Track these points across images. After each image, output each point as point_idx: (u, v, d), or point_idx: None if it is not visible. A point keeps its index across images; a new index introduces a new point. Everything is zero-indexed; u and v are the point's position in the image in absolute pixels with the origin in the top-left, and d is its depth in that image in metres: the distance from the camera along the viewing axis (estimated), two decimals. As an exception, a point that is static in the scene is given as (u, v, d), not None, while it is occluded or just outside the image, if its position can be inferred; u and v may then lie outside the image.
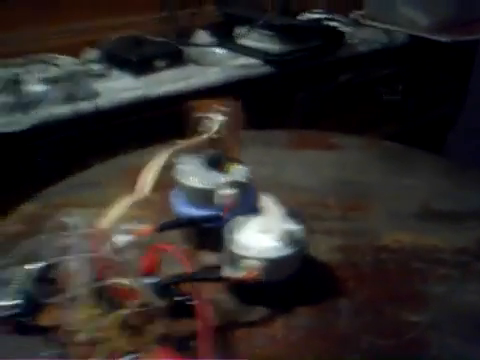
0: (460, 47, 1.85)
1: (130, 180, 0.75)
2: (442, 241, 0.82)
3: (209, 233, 0.78)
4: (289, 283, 0.68)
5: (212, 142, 0.90)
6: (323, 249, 0.78)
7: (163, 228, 0.72)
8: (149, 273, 0.67)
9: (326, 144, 1.18)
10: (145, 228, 0.76)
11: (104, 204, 0.73)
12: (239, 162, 0.86)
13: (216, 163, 0.88)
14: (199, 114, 0.87)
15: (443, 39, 1.81)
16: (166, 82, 1.43)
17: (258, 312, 0.67)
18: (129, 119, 1.35)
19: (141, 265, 0.69)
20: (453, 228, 0.86)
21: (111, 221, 0.73)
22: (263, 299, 0.67)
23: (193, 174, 0.86)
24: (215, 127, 0.88)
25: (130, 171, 0.79)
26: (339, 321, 0.67)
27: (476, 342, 0.63)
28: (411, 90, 1.95)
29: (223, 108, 0.88)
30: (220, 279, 0.68)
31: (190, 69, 1.51)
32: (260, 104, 1.55)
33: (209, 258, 0.75)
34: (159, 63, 1.48)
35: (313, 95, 1.66)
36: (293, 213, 0.74)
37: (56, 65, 1.37)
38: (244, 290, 0.68)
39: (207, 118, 0.88)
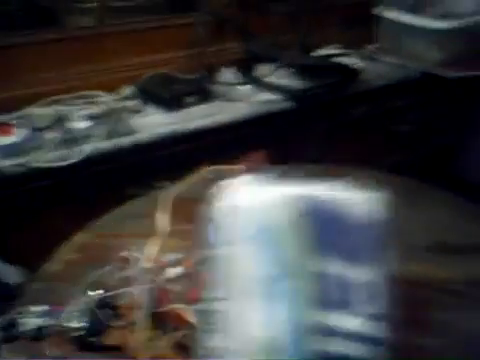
0: (464, 82, 1.95)
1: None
2: (455, 273, 0.91)
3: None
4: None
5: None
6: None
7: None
8: (196, 301, 0.79)
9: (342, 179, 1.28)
10: (189, 261, 0.88)
11: (148, 235, 0.86)
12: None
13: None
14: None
15: (449, 75, 1.92)
16: (196, 117, 1.55)
17: None
18: (163, 152, 1.46)
19: (189, 294, 0.81)
20: (465, 260, 0.95)
21: (157, 255, 0.85)
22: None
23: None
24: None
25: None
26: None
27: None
28: (419, 122, 2.06)
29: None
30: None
31: (217, 105, 1.62)
32: (281, 137, 1.66)
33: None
34: (189, 99, 1.60)
35: (330, 127, 1.78)
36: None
37: (97, 102, 1.49)
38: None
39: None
